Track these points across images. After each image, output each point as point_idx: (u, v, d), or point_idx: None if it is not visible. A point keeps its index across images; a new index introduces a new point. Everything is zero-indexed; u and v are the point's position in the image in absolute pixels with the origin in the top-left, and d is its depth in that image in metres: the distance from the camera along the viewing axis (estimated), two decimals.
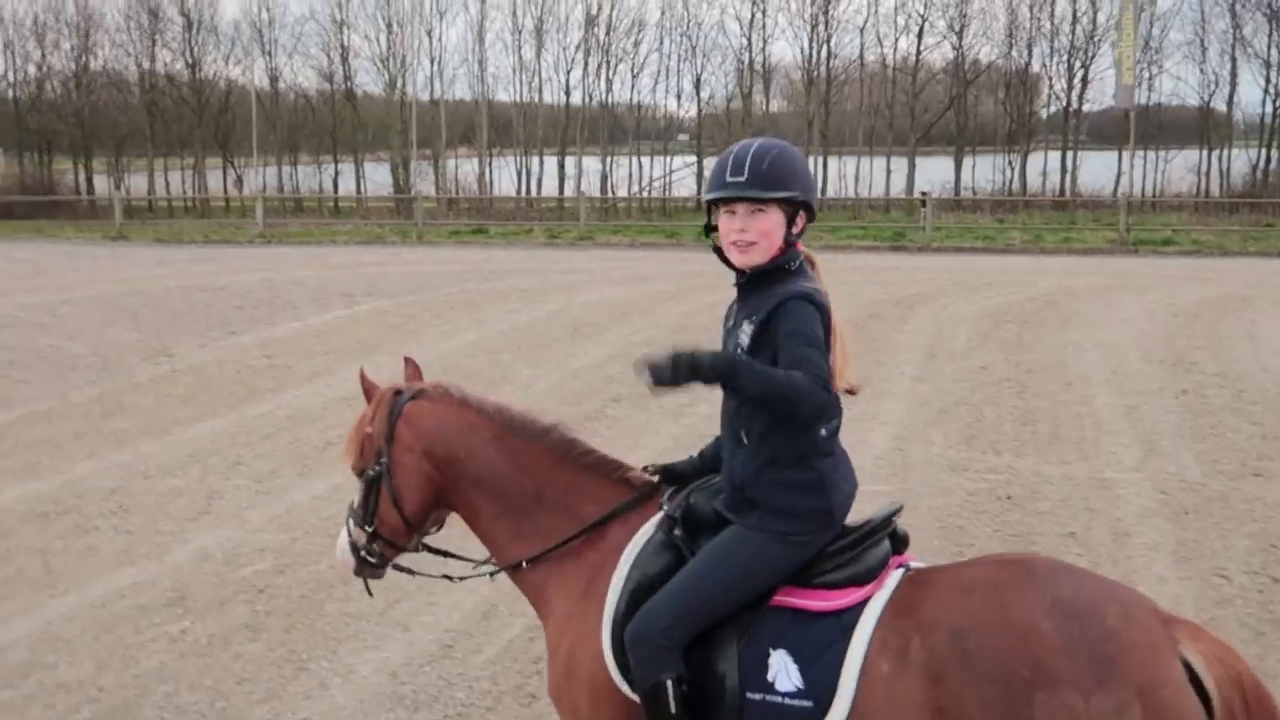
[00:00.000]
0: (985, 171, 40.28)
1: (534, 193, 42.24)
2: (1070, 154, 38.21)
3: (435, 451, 3.13)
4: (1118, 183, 37.33)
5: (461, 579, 3.34)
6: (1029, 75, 38.29)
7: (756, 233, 2.80)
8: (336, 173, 45.04)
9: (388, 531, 3.21)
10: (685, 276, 19.25)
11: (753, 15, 39.35)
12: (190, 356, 12.63)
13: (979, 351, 12.54)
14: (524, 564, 3.12)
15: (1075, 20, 37.33)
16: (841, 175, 39.80)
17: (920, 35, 37.73)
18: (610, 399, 10.28)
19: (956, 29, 38.06)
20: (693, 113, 42.14)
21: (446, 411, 3.18)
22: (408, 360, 3.43)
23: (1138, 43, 27.69)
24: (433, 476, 3.15)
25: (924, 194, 29.08)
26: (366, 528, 3.20)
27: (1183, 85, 40.70)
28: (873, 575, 2.82)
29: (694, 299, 16.44)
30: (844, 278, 19.39)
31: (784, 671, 2.73)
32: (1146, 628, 2.47)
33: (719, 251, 2.92)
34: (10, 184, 41.66)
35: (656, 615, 2.80)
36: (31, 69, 44.27)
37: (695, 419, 9.05)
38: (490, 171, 42.48)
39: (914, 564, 2.90)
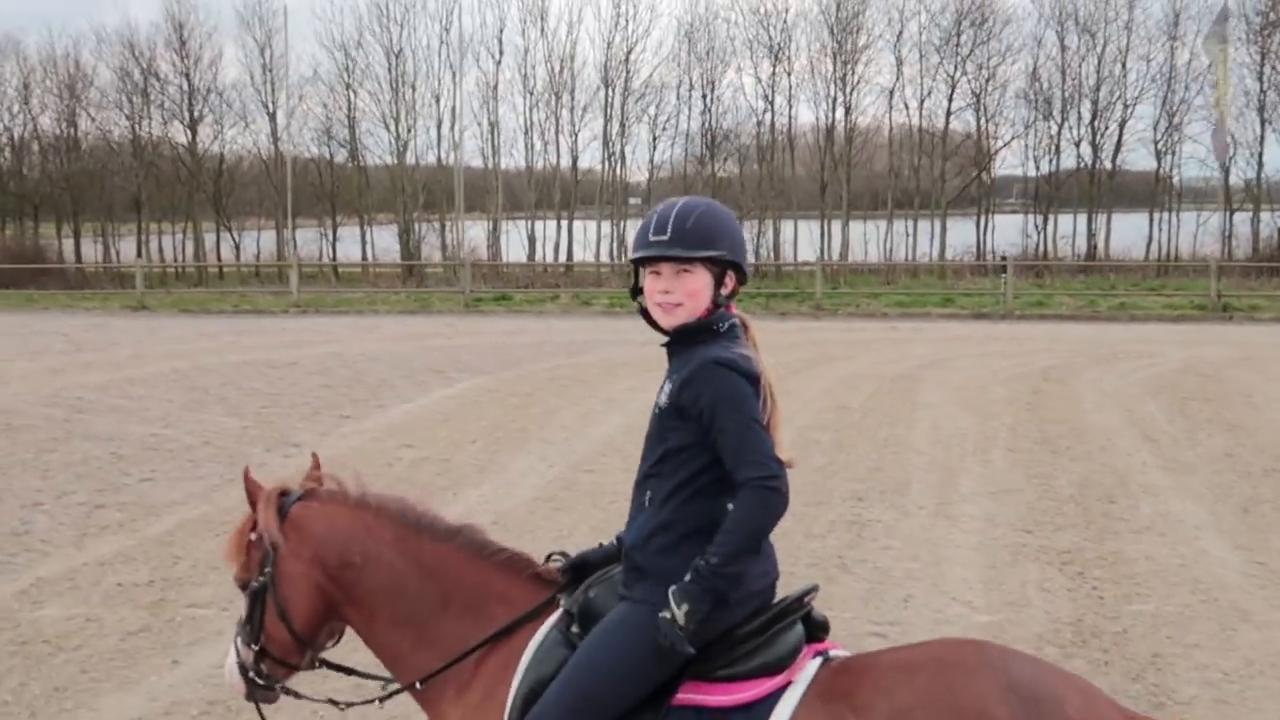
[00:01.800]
0: (1008, 234, 39.74)
1: (546, 257, 41.05)
2: (1099, 215, 37.59)
3: (326, 558, 2.90)
4: (1148, 246, 36.96)
5: (348, 706, 3.10)
6: (1056, 135, 37.69)
7: (682, 293, 2.67)
8: (335, 237, 43.61)
9: (277, 649, 2.96)
10: (779, 350, 18.07)
11: (773, 76, 38.63)
12: (319, 448, 11.05)
13: (1201, 435, 11.41)
14: (418, 684, 2.87)
15: (1099, 81, 36.95)
16: (865, 239, 38.94)
17: (951, 98, 37.12)
18: (856, 497, 8.98)
19: (977, 93, 37.57)
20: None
21: (339, 513, 2.96)
22: (313, 456, 3.18)
23: (1228, 91, 27.04)
24: (323, 586, 2.91)
25: (1004, 258, 28.17)
26: (253, 645, 2.95)
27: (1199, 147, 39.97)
28: (785, 664, 2.58)
29: (831, 368, 15.24)
30: (954, 348, 18.36)
31: None
32: None
33: (645, 314, 2.76)
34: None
35: (541, 716, 2.59)
36: (17, 131, 42.66)
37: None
38: (499, 236, 41.28)
39: (836, 653, 2.67)
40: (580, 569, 2.90)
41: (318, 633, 3.00)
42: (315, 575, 2.91)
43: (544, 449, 10.97)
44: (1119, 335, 20.67)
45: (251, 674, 2.99)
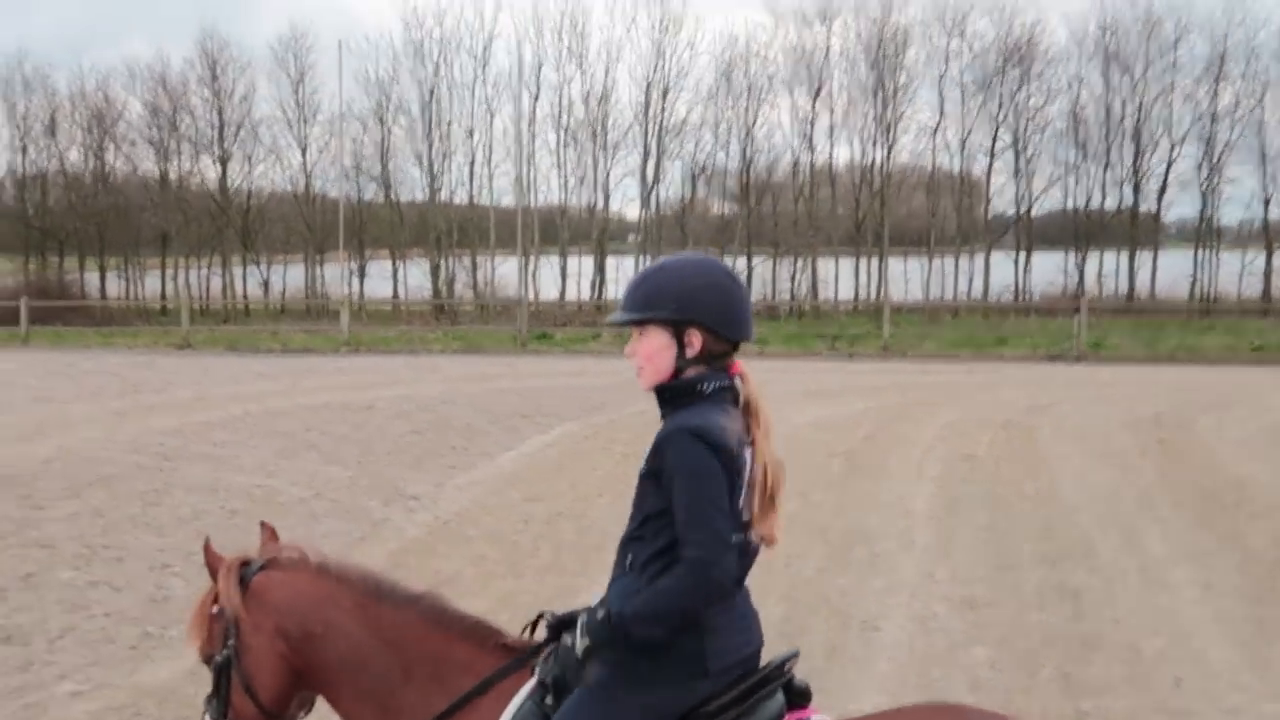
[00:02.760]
0: (1046, 273, 39.23)
1: (581, 295, 40.48)
2: (1141, 254, 37.06)
3: (288, 628, 2.83)
4: (1191, 287, 36.38)
5: None
6: (1102, 176, 37.26)
7: (641, 356, 2.65)
8: (364, 273, 43.03)
9: None
10: (867, 393, 17.45)
11: (812, 114, 38.25)
12: (440, 501, 10.50)
13: None
14: None
15: (1141, 121, 36.53)
16: (906, 277, 38.42)
17: (995, 138, 36.72)
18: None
19: (1017, 134, 37.18)
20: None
21: (300, 581, 2.89)
22: (263, 525, 3.11)
23: None
24: (287, 656, 2.84)
25: (1078, 295, 27.58)
26: None
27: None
28: None
29: (934, 414, 14.59)
30: (1047, 393, 17.72)
31: None
32: None
33: None
34: (20, 287, 39.04)
35: None
36: (44, 165, 42.18)
37: None
38: (532, 273, 40.72)
39: (815, 719, 2.59)
40: (561, 631, 2.74)
41: (286, 705, 2.91)
42: (279, 646, 2.84)
43: None
44: (1205, 379, 20.06)
45: None
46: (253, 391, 18.30)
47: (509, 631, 2.89)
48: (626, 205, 42.52)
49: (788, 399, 17.13)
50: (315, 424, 14.87)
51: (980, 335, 27.29)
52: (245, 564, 2.94)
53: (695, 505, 2.44)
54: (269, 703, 2.86)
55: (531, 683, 2.69)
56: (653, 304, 2.61)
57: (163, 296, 42.58)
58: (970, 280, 38.16)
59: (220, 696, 2.87)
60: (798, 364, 22.71)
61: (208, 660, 2.92)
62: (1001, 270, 38.05)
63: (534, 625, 2.86)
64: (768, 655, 2.72)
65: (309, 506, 10.19)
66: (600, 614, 2.50)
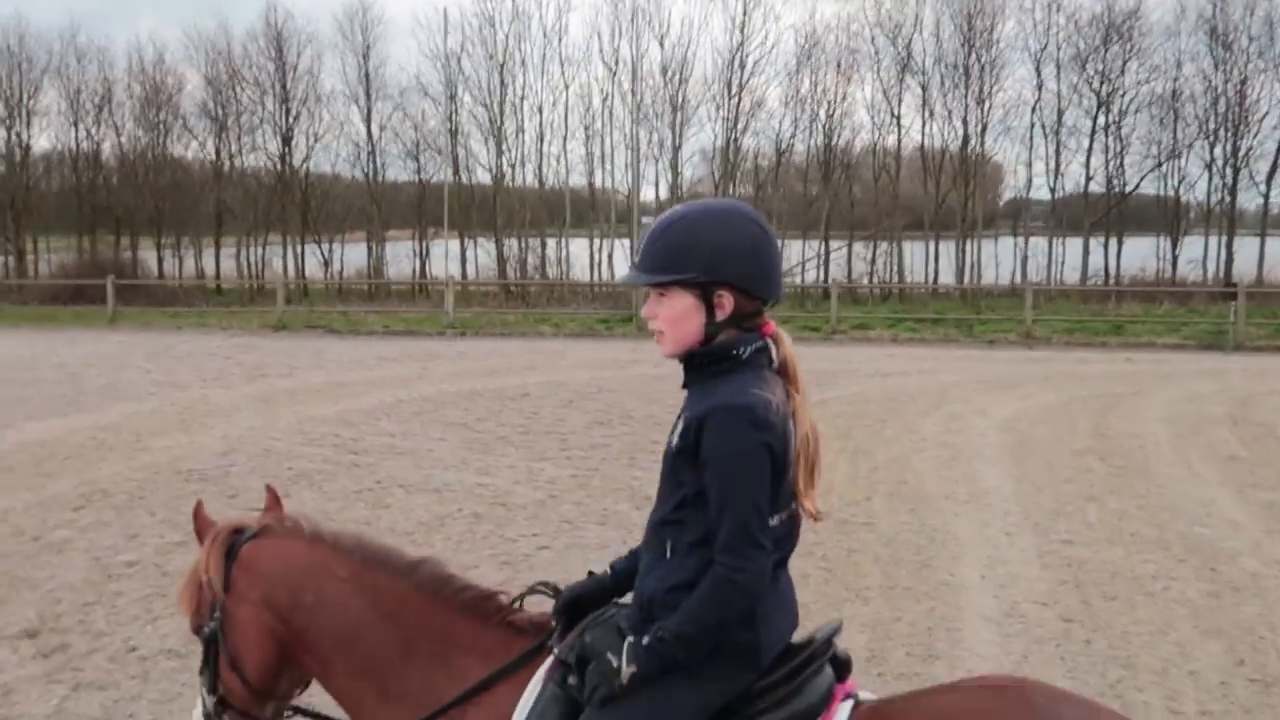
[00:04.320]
0: (1134, 258, 37.86)
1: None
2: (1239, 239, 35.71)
3: (276, 598, 2.66)
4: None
5: None
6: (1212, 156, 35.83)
7: (663, 320, 2.39)
8: (426, 253, 41.88)
9: (236, 700, 2.70)
10: (1042, 382, 16.26)
11: (900, 90, 36.94)
12: None
13: None
14: None
15: (1218, 99, 35.04)
16: (997, 260, 37.05)
17: (1096, 116, 35.34)
18: None
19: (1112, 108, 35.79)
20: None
21: (292, 550, 2.71)
22: (269, 489, 2.97)
23: None
24: (275, 631, 2.66)
25: (1232, 284, 26.28)
26: (212, 695, 2.71)
27: None
28: (816, 711, 2.35)
29: (1139, 405, 13.41)
30: (1239, 383, 16.50)
31: None
32: None
33: None
34: (83, 266, 37.99)
35: None
36: (108, 146, 41.11)
37: None
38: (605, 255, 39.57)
39: (862, 694, 2.43)
40: (572, 608, 2.60)
41: (275, 682, 2.73)
42: (265, 618, 2.68)
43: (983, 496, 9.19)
44: None
45: None
46: (386, 377, 17.22)
47: (509, 603, 2.70)
48: (698, 185, 40.79)
49: (960, 390, 16.04)
50: (482, 412, 13.79)
51: (1115, 321, 25.88)
52: (237, 532, 2.77)
53: (732, 499, 2.24)
54: (255, 678, 2.69)
55: (549, 662, 2.50)
56: (676, 263, 2.34)
57: (217, 276, 41.57)
58: (1061, 264, 36.77)
59: (210, 669, 2.72)
60: (935, 352, 21.53)
61: (197, 631, 2.76)
62: (1094, 256, 36.66)
63: (523, 596, 2.72)
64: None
65: (556, 510, 9.09)
66: (647, 641, 2.29)
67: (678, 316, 2.37)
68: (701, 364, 2.37)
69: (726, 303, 2.36)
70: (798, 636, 2.48)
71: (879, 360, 19.73)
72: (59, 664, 5.88)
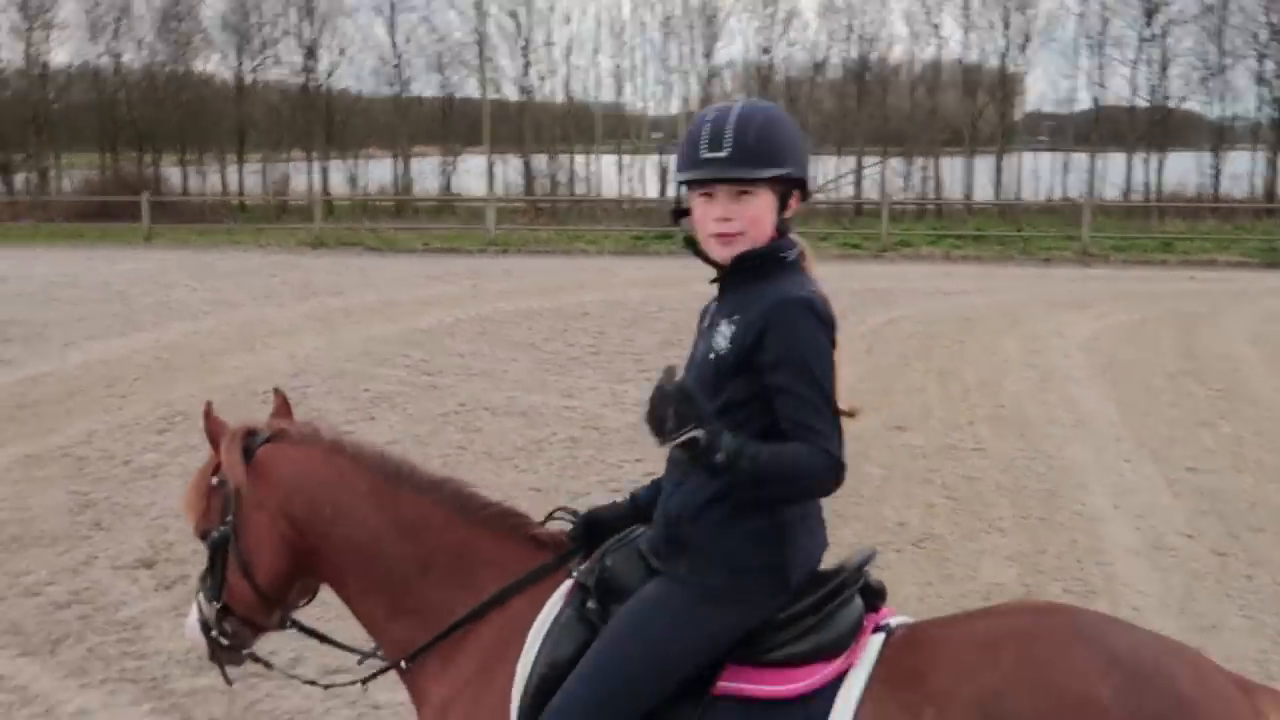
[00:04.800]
0: (1177, 172, 37.05)
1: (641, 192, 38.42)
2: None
3: (293, 508, 2.57)
4: None
5: (329, 687, 2.87)
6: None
7: (744, 221, 2.25)
8: (453, 169, 41.23)
9: (241, 607, 2.64)
10: (1110, 300, 15.83)
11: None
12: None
13: None
14: (403, 664, 2.54)
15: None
16: (1037, 175, 36.28)
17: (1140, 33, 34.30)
18: None
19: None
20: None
21: (311, 458, 2.60)
22: (277, 392, 2.84)
23: None
24: (290, 539, 2.58)
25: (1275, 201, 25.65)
26: (215, 602, 2.64)
27: None
28: (845, 644, 2.23)
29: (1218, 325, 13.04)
30: None
31: None
32: (1225, 698, 1.96)
33: (691, 243, 2.35)
34: (107, 183, 37.48)
35: (563, 712, 2.21)
36: (127, 60, 40.30)
37: None
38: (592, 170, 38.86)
39: (895, 621, 2.30)
40: (592, 531, 2.52)
41: (286, 590, 2.66)
42: (281, 526, 2.57)
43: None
44: None
45: (214, 633, 2.67)
46: (438, 296, 16.88)
47: (535, 522, 2.62)
48: (726, 97, 39.81)
49: (1029, 309, 15.67)
50: (546, 332, 13.48)
51: (1163, 238, 25.32)
52: (251, 434, 2.64)
53: (817, 388, 2.16)
54: (267, 586, 2.62)
55: (567, 585, 2.42)
56: (774, 159, 2.25)
57: (240, 193, 41.02)
58: (1104, 179, 36.01)
59: (215, 575, 2.63)
60: (991, 270, 21.09)
61: (204, 536, 2.67)
62: (1138, 172, 35.86)
63: (546, 520, 2.64)
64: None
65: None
66: (740, 443, 2.13)
67: (760, 216, 2.26)
68: (751, 265, 2.28)
69: (795, 202, 2.32)
70: (827, 563, 2.38)
71: (935, 279, 19.31)
72: (183, 596, 5.64)
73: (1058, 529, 6.75)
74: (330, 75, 40.03)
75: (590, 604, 2.35)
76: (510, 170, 40.50)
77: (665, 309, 15.33)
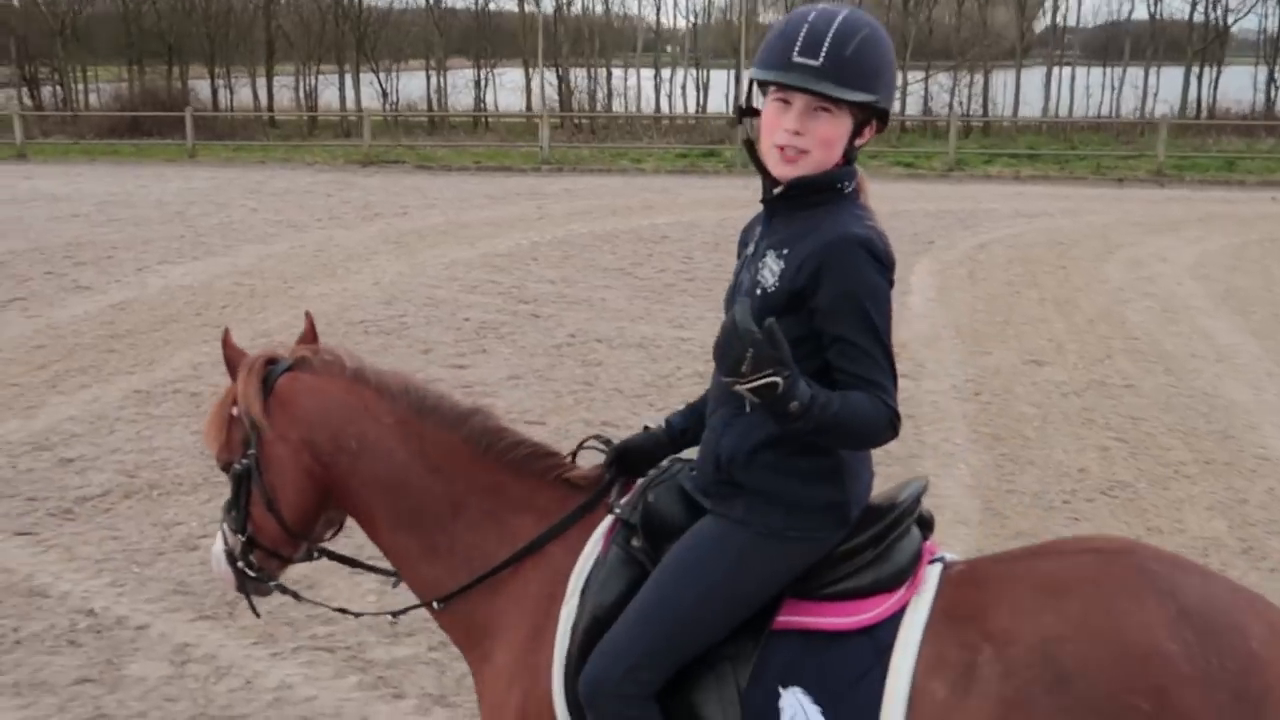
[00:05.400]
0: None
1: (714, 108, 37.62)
2: None
3: (317, 440, 2.45)
4: None
5: (359, 615, 2.87)
6: None
7: (816, 139, 2.07)
8: (482, 82, 40.29)
9: (266, 540, 2.53)
10: (1199, 223, 15.27)
11: None
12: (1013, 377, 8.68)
13: None
14: (436, 604, 2.47)
15: None
16: (1089, 91, 35.25)
17: None
18: None
19: None
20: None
21: (334, 388, 2.48)
22: (308, 315, 2.69)
23: None
24: (315, 472, 2.47)
25: None
26: (240, 534, 2.53)
27: None
28: (904, 576, 2.16)
29: None
30: None
31: (801, 716, 2.08)
32: None
33: (750, 147, 2.20)
34: (137, 97, 36.76)
35: (616, 655, 2.14)
36: None
37: None
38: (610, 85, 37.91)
39: (947, 555, 2.24)
40: (626, 461, 2.43)
41: (312, 524, 2.54)
42: (305, 459, 2.45)
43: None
44: None
45: (241, 564, 2.56)
46: (506, 217, 16.39)
47: (564, 458, 2.51)
48: (766, 11, 38.84)
49: (1119, 233, 15.12)
50: (631, 256, 13.05)
51: (1226, 157, 24.56)
52: (271, 362, 2.51)
53: (876, 338, 2.03)
54: (294, 521, 2.51)
55: (608, 521, 2.32)
56: (868, 81, 2.04)
57: (270, 108, 40.24)
58: (1155, 96, 35.01)
59: (239, 507, 2.52)
60: (1065, 190, 20.44)
61: (226, 467, 2.55)
62: (1190, 88, 34.80)
63: (576, 451, 2.54)
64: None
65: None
66: (814, 394, 1.98)
67: (833, 139, 2.09)
68: (801, 193, 2.12)
69: (870, 132, 2.15)
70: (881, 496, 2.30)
71: (1009, 200, 18.72)
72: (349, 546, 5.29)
73: (1249, 476, 6.36)
74: None
75: (636, 542, 2.27)
76: (545, 85, 39.62)
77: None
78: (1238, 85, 35.90)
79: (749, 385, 1.96)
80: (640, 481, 2.37)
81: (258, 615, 2.81)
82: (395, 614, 2.68)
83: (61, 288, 11.26)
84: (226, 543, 2.60)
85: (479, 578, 2.40)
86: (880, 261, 2.05)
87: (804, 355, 2.06)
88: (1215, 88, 34.86)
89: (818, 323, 2.06)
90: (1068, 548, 2.20)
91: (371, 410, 2.46)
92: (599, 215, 16.58)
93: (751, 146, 2.20)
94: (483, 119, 38.46)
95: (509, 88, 40.32)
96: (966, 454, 6.70)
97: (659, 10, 35.91)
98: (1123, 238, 14.66)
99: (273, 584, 2.62)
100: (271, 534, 2.54)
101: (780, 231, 2.13)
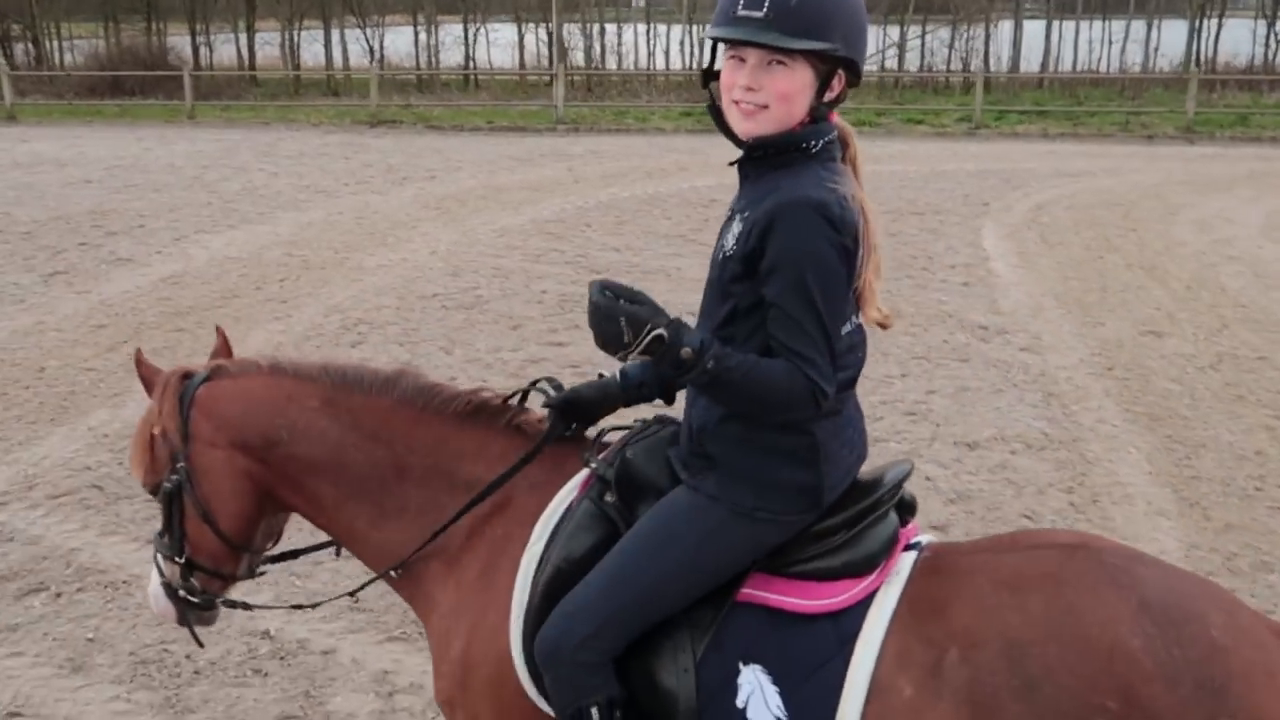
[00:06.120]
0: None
1: (666, 64, 36.93)
2: None
3: (248, 439, 2.42)
4: None
5: (315, 605, 2.76)
6: None
7: (772, 93, 2.00)
8: (472, 38, 39.39)
9: (206, 559, 2.48)
10: (1247, 181, 14.96)
11: None
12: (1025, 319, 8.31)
13: None
14: (393, 573, 2.42)
15: None
16: (1096, 47, 34.90)
17: None
18: None
19: None
20: None
21: (254, 386, 2.47)
22: (219, 330, 2.66)
23: None
24: (253, 472, 2.44)
25: None
26: (177, 559, 2.47)
27: None
28: (876, 562, 2.12)
29: None
30: None
31: (759, 695, 2.05)
32: (1260, 644, 1.87)
33: (715, 111, 2.12)
34: (118, 56, 35.62)
35: (577, 618, 2.09)
36: None
37: None
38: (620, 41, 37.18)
39: (924, 539, 2.21)
40: (573, 409, 2.39)
41: (252, 532, 2.50)
42: (239, 462, 2.42)
43: None
44: None
45: (182, 593, 2.50)
46: (539, 180, 15.85)
47: (513, 407, 2.44)
48: None
49: (1172, 192, 14.83)
50: (688, 222, 12.56)
51: (1239, 112, 24.28)
52: (187, 377, 2.47)
53: (805, 311, 1.94)
54: (233, 531, 2.44)
55: (581, 475, 2.27)
56: (818, 28, 1.96)
57: (252, 66, 39.19)
58: (1156, 50, 34.68)
59: (174, 529, 2.44)
60: (1096, 148, 20.07)
61: (154, 490, 2.47)
62: (1178, 40, 34.50)
63: (524, 394, 2.47)
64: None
65: (909, 342, 7.99)
66: (711, 348, 1.97)
67: (794, 92, 2.01)
68: (774, 151, 2.03)
69: (839, 85, 2.06)
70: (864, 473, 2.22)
71: (1043, 158, 18.34)
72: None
73: None
74: None
75: (609, 498, 2.22)
76: (539, 42, 38.77)
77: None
78: (1233, 38, 35.64)
79: (640, 348, 1.95)
80: (622, 435, 2.33)
81: (201, 645, 2.73)
82: (354, 592, 2.62)
83: (100, 259, 10.69)
84: (163, 574, 2.52)
85: (434, 533, 2.33)
86: (833, 225, 1.94)
87: (758, 324, 2.02)
88: (1216, 41, 34.55)
89: (766, 287, 1.98)
90: (1028, 541, 2.15)
91: (295, 397, 2.44)
92: (635, 178, 16.06)
93: (718, 112, 2.10)
94: (473, 76, 37.72)
95: (500, 44, 39.45)
96: (1131, 437, 6.34)
97: None
98: (1179, 198, 14.32)
99: (220, 600, 2.54)
100: (211, 550, 2.47)
101: (747, 193, 2.07)
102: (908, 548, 2.18)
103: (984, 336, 8.23)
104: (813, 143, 2.03)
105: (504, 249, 11.11)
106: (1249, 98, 29.22)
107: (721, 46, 2.08)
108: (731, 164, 2.14)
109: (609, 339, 1.98)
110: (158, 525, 2.52)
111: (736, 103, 2.04)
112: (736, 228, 2.05)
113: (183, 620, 2.57)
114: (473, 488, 2.35)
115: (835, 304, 1.99)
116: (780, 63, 1.99)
